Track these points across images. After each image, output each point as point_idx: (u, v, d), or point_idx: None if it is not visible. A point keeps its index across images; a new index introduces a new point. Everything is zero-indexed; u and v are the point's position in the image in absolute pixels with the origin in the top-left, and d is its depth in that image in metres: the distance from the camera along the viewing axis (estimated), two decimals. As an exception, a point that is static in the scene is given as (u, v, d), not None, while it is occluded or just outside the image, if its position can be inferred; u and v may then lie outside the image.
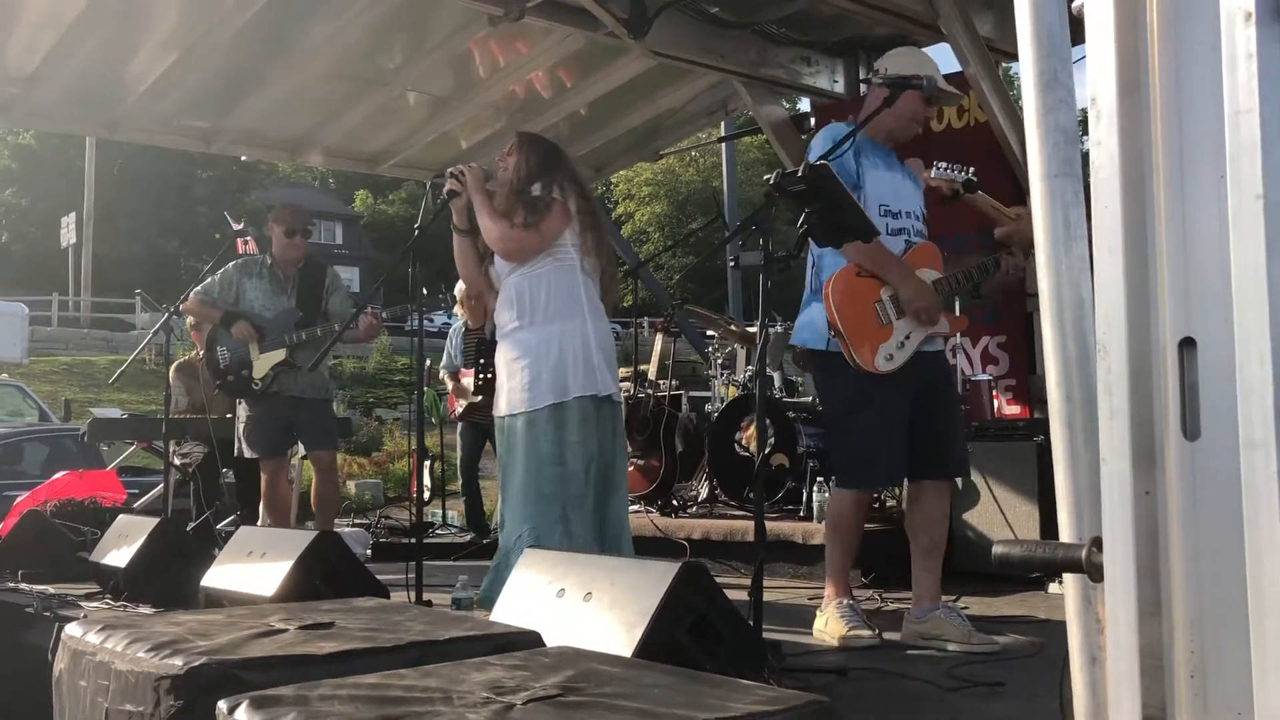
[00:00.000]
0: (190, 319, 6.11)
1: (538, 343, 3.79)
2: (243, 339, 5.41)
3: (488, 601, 3.73)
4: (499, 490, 4.07)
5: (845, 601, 3.63)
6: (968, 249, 4.67)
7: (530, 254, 3.82)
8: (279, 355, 5.40)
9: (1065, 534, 1.13)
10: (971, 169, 3.63)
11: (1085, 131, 1.28)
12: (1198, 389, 0.96)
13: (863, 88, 7.09)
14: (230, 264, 5.68)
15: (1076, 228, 1.16)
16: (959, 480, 5.03)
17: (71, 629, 2.24)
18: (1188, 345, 0.97)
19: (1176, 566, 0.96)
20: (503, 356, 3.93)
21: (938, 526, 3.67)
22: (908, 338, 3.52)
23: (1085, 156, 1.27)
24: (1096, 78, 1.03)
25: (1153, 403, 0.99)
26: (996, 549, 1.15)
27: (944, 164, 3.64)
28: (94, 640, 2.10)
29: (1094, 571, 1.03)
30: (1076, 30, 1.17)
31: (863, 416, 3.57)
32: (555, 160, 4.00)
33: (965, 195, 3.62)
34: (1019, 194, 5.04)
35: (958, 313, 3.97)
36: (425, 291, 4.70)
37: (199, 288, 5.56)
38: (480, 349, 6.38)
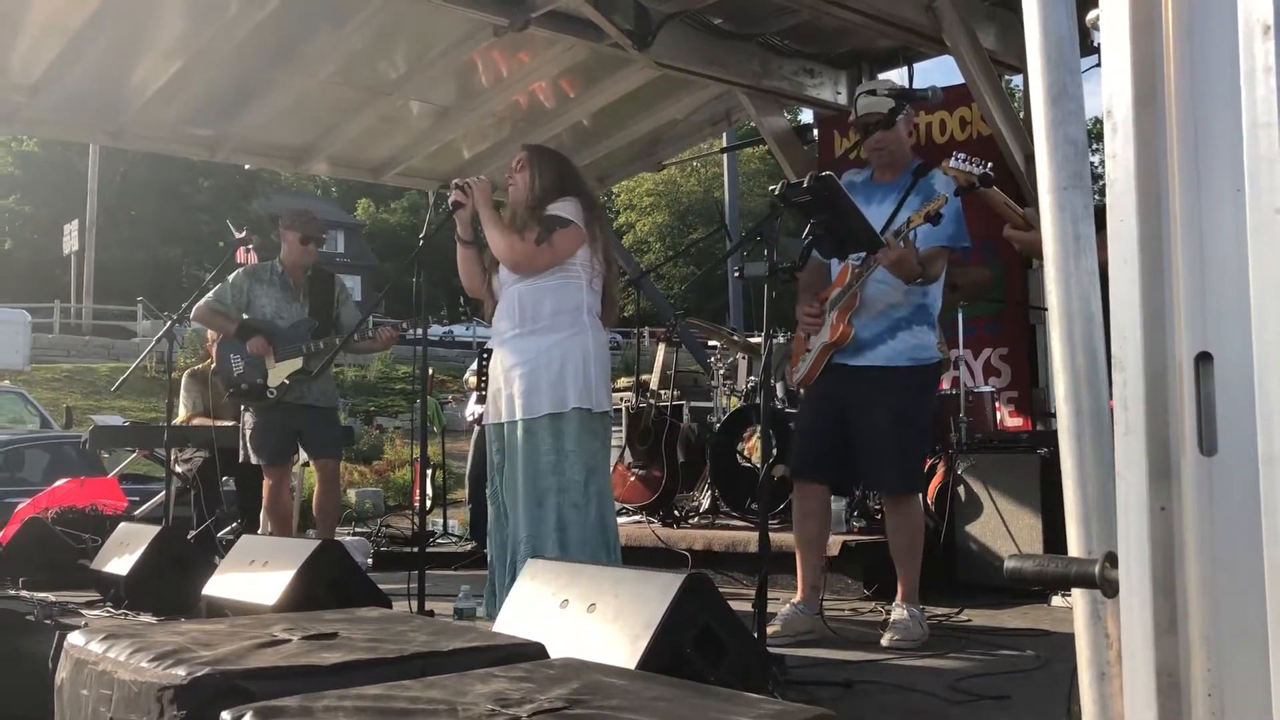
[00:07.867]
0: (207, 329, 6.06)
1: (539, 351, 3.79)
2: (258, 353, 5.37)
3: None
4: (490, 496, 4.07)
5: (791, 600, 4.01)
6: (967, 258, 4.69)
7: (540, 268, 3.84)
8: (295, 364, 5.36)
9: (1074, 548, 1.12)
10: (989, 164, 3.63)
11: (1091, 143, 1.27)
12: (1214, 404, 0.95)
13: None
14: (239, 270, 5.62)
15: (1086, 240, 1.15)
16: (962, 491, 5.08)
17: (74, 638, 2.23)
18: (1204, 360, 0.96)
19: (1193, 582, 0.96)
20: (500, 363, 3.93)
21: (894, 534, 4.04)
22: (808, 352, 4.05)
23: (1092, 169, 1.26)
24: (1112, 89, 1.02)
25: (1168, 418, 0.98)
26: (1009, 563, 1.14)
27: (963, 155, 3.68)
28: (97, 649, 2.09)
29: (1107, 587, 1.02)
30: (1084, 41, 1.16)
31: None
32: (568, 175, 4.02)
33: (980, 189, 3.63)
34: (1022, 206, 5.03)
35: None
36: (445, 305, 4.68)
37: (209, 295, 5.49)
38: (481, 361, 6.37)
